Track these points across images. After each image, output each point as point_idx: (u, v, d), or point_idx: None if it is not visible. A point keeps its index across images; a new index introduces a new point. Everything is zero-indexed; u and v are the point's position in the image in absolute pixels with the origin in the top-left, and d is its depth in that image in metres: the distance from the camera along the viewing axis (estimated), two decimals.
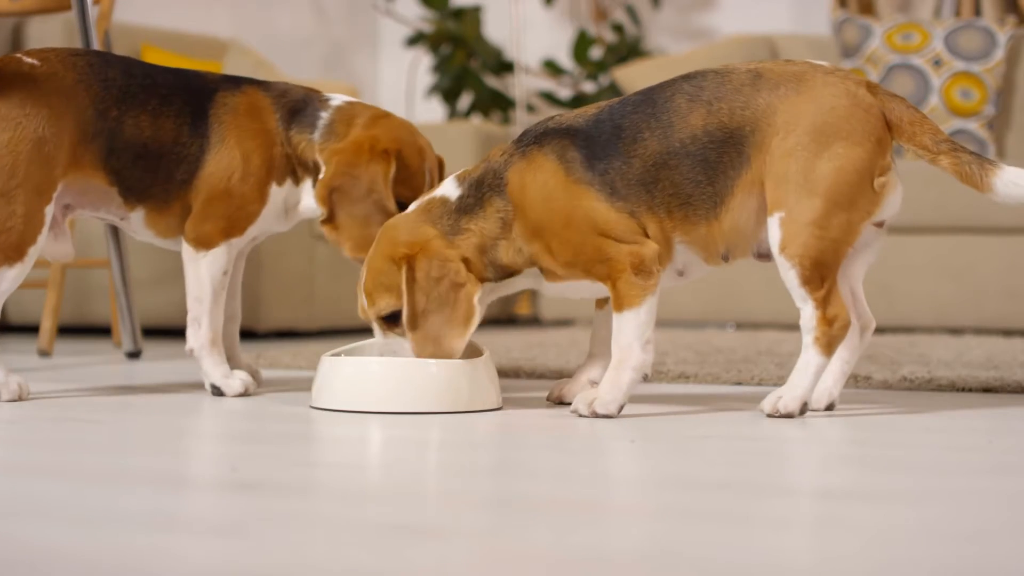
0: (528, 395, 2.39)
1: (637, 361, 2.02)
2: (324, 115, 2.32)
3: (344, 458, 1.72)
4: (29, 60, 2.19)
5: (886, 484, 1.48)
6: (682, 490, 1.43)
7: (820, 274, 1.98)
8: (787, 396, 2.02)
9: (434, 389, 2.07)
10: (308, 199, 2.34)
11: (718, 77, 2.05)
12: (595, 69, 5.95)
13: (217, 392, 2.33)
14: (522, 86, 5.99)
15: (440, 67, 6.01)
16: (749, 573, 1.05)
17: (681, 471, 1.57)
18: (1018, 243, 4.25)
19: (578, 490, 1.44)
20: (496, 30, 6.25)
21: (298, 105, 2.32)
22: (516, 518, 1.27)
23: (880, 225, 2.06)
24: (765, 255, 2.07)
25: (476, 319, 2.06)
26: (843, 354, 2.09)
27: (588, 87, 6.12)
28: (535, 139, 2.09)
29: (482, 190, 2.09)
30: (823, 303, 1.99)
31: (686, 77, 2.08)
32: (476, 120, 5.98)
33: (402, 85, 6.31)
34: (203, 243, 2.27)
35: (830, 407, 2.12)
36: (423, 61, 6.32)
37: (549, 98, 6.01)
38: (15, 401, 2.20)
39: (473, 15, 5.98)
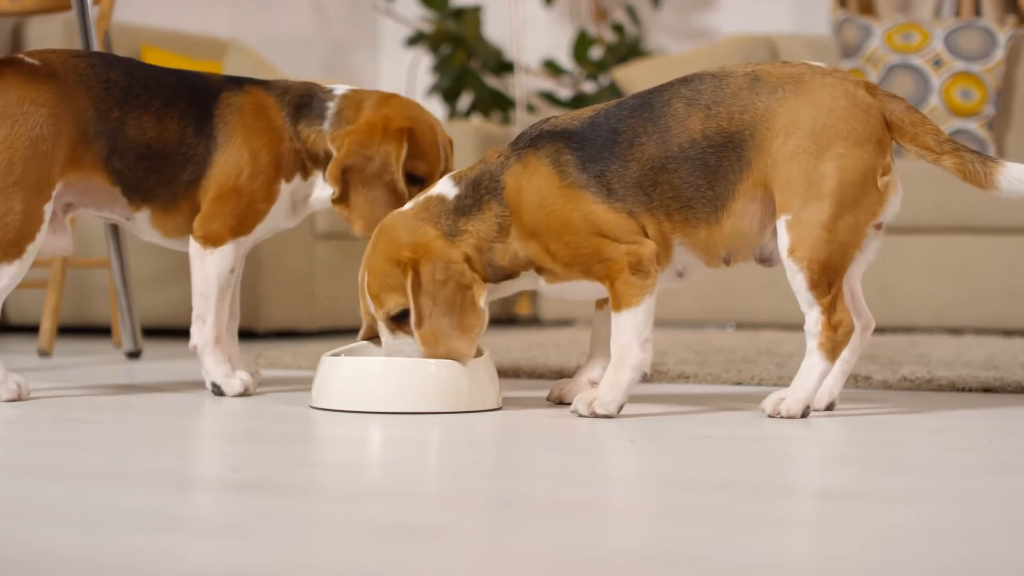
0: (528, 395, 2.39)
1: (636, 360, 2.02)
2: (331, 105, 2.33)
3: (344, 458, 1.72)
4: (30, 61, 2.20)
5: (886, 484, 1.48)
6: (682, 490, 1.43)
7: (828, 278, 1.98)
8: (790, 399, 2.02)
9: (434, 389, 2.07)
10: (319, 191, 2.35)
11: (716, 81, 2.05)
12: (595, 69, 5.95)
13: (217, 391, 2.33)
14: (522, 86, 5.99)
15: (440, 67, 6.01)
16: (749, 573, 1.05)
17: (681, 471, 1.57)
18: (1018, 243, 4.26)
19: (578, 490, 1.44)
20: (496, 30, 6.25)
21: (303, 100, 2.33)
22: (516, 518, 1.27)
23: (878, 227, 2.06)
24: (767, 259, 2.07)
25: (484, 320, 2.06)
26: (844, 354, 2.09)
27: (588, 87, 6.12)
28: (530, 142, 2.09)
29: (479, 192, 2.09)
30: (829, 308, 1.99)
31: (683, 81, 2.08)
32: (476, 120, 5.98)
33: (402, 85, 6.31)
34: (211, 240, 2.28)
35: (830, 407, 2.13)
36: (423, 61, 6.32)
37: (549, 98, 6.01)
38: (14, 401, 2.20)
39: (473, 15, 5.98)
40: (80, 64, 2.22)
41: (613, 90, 5.79)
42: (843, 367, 2.11)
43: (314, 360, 2.92)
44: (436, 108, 6.35)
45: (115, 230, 3.20)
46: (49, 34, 4.19)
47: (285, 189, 2.32)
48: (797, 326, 4.17)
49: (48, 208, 2.18)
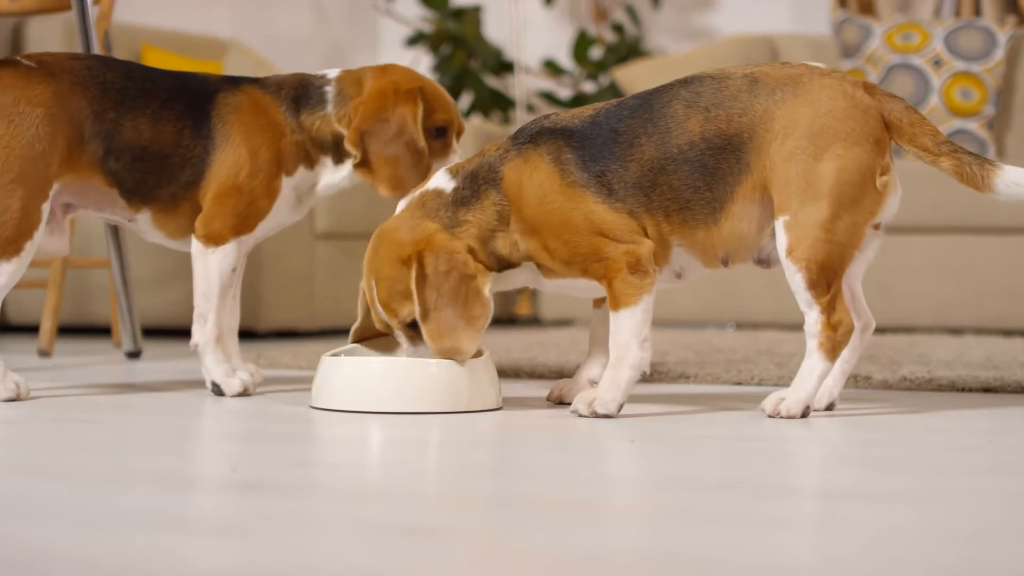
0: (528, 395, 2.39)
1: (635, 359, 2.02)
2: (329, 89, 2.34)
3: (344, 458, 1.72)
4: (27, 62, 2.21)
5: (886, 484, 1.48)
6: (682, 490, 1.43)
7: (826, 278, 1.98)
8: (790, 399, 2.02)
9: (434, 389, 2.07)
10: (328, 177, 2.36)
11: (715, 83, 2.05)
12: (595, 69, 5.95)
13: (217, 390, 2.33)
14: (522, 86, 5.99)
15: (440, 67, 6.01)
16: (749, 573, 1.05)
17: (681, 471, 1.57)
18: (1018, 243, 4.26)
19: (578, 490, 1.44)
20: (496, 30, 6.25)
21: (299, 91, 2.34)
22: (516, 518, 1.27)
23: (877, 227, 2.06)
24: (765, 261, 2.07)
25: (490, 310, 2.05)
26: (844, 354, 2.09)
27: (588, 87, 6.12)
28: (531, 138, 2.09)
29: (477, 182, 2.08)
30: (828, 308, 1.99)
31: (683, 82, 2.08)
32: (476, 120, 5.98)
33: None
34: (213, 239, 2.28)
35: (830, 407, 2.13)
36: (423, 61, 6.32)
37: (549, 98, 6.01)
38: (13, 400, 2.20)
39: (473, 15, 5.98)
40: (77, 66, 2.23)
41: (613, 90, 5.79)
42: (843, 367, 2.11)
43: (314, 360, 2.92)
44: None
45: (115, 230, 3.20)
46: (49, 34, 4.19)
47: (287, 184, 2.33)
48: (797, 326, 4.17)
49: (45, 207, 2.18)
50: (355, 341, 2.26)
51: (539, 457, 1.70)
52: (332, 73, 2.37)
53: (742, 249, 2.05)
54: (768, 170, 2.00)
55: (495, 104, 6.03)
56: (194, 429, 2.01)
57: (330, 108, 2.32)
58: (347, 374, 2.12)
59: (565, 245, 2.04)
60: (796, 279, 1.99)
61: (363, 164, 2.30)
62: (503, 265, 2.10)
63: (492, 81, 6.18)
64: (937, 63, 4.70)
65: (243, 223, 2.29)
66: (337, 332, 4.31)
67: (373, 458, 1.75)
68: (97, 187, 2.25)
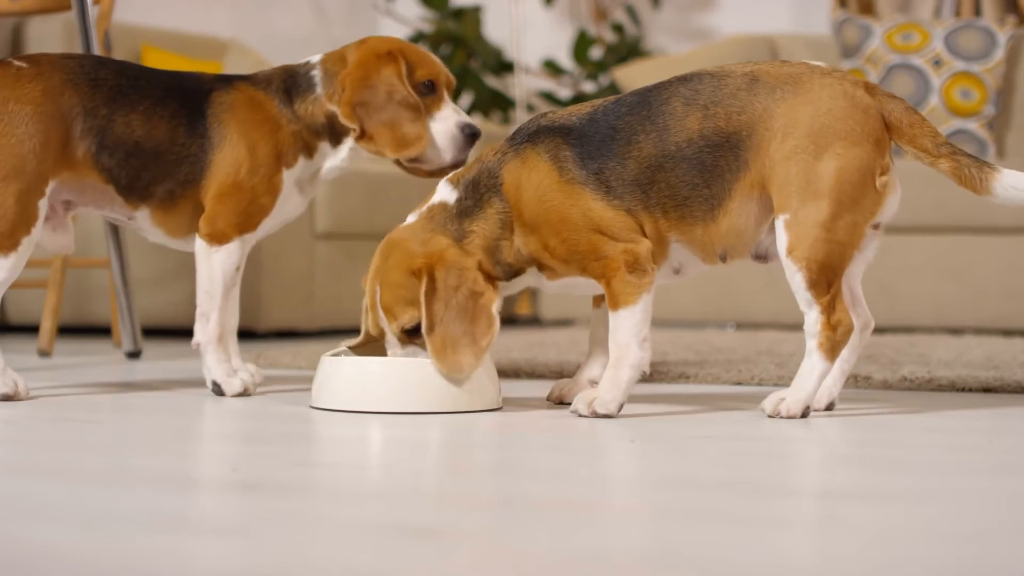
0: (528, 395, 2.39)
1: (635, 359, 2.02)
2: (315, 73, 2.35)
3: (344, 458, 1.72)
4: (17, 63, 2.24)
5: (886, 484, 1.48)
6: (682, 490, 1.43)
7: (826, 278, 1.98)
8: (790, 399, 2.02)
9: (434, 389, 2.07)
10: (330, 161, 2.37)
11: (714, 80, 2.05)
12: (595, 69, 5.95)
13: (217, 390, 2.33)
14: (522, 86, 5.99)
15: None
16: (749, 573, 1.05)
17: (681, 471, 1.57)
18: (1018, 243, 4.25)
19: (578, 490, 1.44)
20: (496, 30, 6.25)
21: (288, 82, 2.35)
22: (516, 518, 1.27)
23: (877, 227, 2.06)
24: (763, 256, 2.07)
25: (496, 329, 2.05)
26: (843, 353, 2.09)
27: (588, 87, 6.12)
28: (528, 137, 2.09)
29: (479, 191, 2.09)
30: (828, 308, 1.99)
31: (682, 79, 2.07)
32: (476, 120, 5.98)
33: None
34: (217, 238, 2.29)
35: (830, 407, 2.13)
36: None
37: (549, 98, 6.01)
38: (8, 398, 2.20)
39: (473, 15, 5.98)
40: (69, 63, 2.25)
41: (613, 90, 5.79)
42: (843, 367, 2.11)
43: (314, 360, 2.92)
44: None
45: (115, 230, 3.20)
46: (49, 34, 4.19)
47: (288, 178, 2.33)
48: (797, 326, 4.17)
49: (43, 204, 2.19)
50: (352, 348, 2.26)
51: (539, 457, 1.70)
52: (315, 58, 2.38)
53: (740, 245, 2.05)
54: (767, 168, 2.00)
55: (495, 104, 6.03)
56: (194, 429, 2.01)
57: (320, 90, 2.34)
58: (347, 374, 2.12)
59: (564, 243, 2.04)
60: (796, 279, 1.99)
61: (362, 135, 2.31)
62: (511, 273, 2.10)
63: (492, 81, 6.18)
64: (937, 63, 4.70)
65: (247, 221, 2.30)
66: (337, 332, 4.31)
67: (373, 458, 1.75)
68: (94, 184, 2.26)
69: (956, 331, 4.33)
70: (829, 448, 1.80)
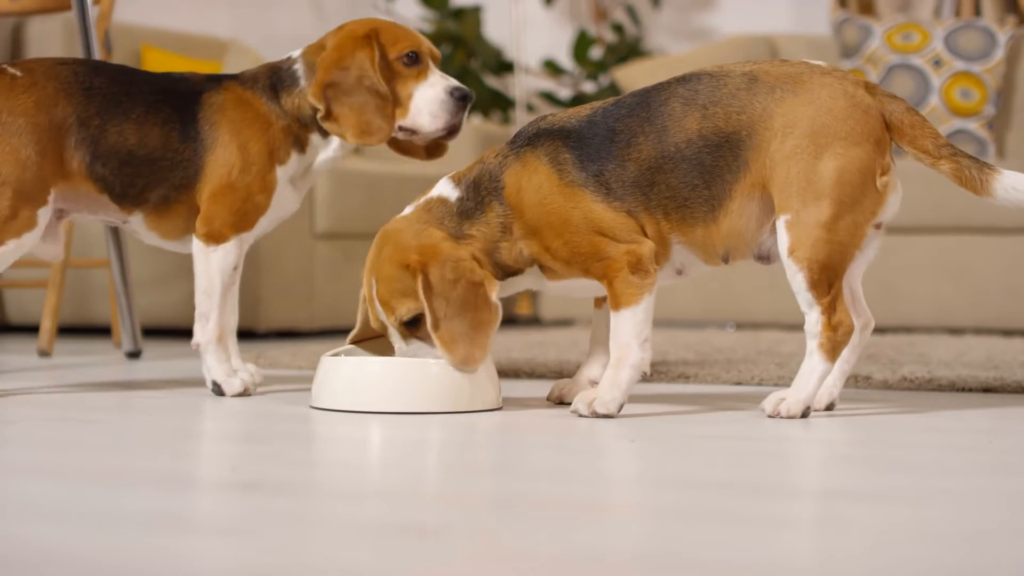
0: (528, 395, 2.39)
1: (636, 359, 2.02)
2: (298, 67, 2.36)
3: (344, 458, 1.72)
4: (11, 71, 2.24)
5: (886, 484, 1.48)
6: (682, 490, 1.43)
7: (827, 278, 1.98)
8: (791, 399, 2.02)
9: (434, 389, 2.07)
10: (321, 153, 2.38)
11: (713, 80, 2.05)
12: (595, 69, 5.95)
13: (217, 390, 2.33)
14: (522, 86, 5.99)
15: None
16: (749, 573, 1.05)
17: (681, 471, 1.57)
18: (1018, 243, 4.25)
19: (578, 490, 1.44)
20: (496, 30, 6.25)
21: (272, 79, 2.36)
22: (516, 518, 1.27)
23: (878, 227, 2.06)
24: (765, 257, 2.07)
25: (498, 316, 2.05)
26: (844, 354, 2.09)
27: (588, 87, 6.12)
28: (528, 140, 2.09)
29: (480, 193, 2.09)
30: (829, 309, 1.99)
31: (681, 80, 2.07)
32: (476, 120, 5.98)
33: None
34: (214, 238, 2.29)
35: (830, 407, 2.12)
36: None
37: (549, 98, 6.01)
38: None
39: (473, 15, 5.98)
40: (63, 72, 2.26)
41: (613, 90, 5.79)
42: (843, 367, 2.11)
43: (314, 360, 2.92)
44: None
45: (115, 231, 3.20)
46: (49, 34, 4.19)
47: (283, 176, 2.34)
48: (797, 326, 4.17)
49: (43, 213, 2.21)
50: (353, 342, 2.26)
51: (539, 457, 1.70)
52: (296, 52, 2.40)
53: (742, 246, 2.05)
54: (768, 168, 2.00)
55: (495, 104, 6.03)
56: (194, 429, 2.01)
57: (303, 83, 2.34)
58: (347, 374, 2.12)
59: (566, 245, 2.04)
60: (797, 279, 1.99)
61: (328, 116, 2.31)
62: (506, 274, 2.11)
63: (492, 81, 6.18)
64: (937, 63, 4.70)
65: (242, 220, 2.30)
66: (337, 332, 4.31)
67: (373, 458, 1.75)
68: (87, 193, 2.27)
69: (956, 331, 4.33)
70: (829, 448, 1.80)
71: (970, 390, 2.48)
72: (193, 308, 2.37)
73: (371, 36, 2.33)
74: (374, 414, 2.07)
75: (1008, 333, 4.31)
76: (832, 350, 2.00)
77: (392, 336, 2.12)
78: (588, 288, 2.11)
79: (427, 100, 2.33)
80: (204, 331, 2.32)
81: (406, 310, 2.07)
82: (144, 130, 2.26)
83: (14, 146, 2.18)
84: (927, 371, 2.70)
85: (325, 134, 2.36)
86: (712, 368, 2.79)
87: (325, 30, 6.24)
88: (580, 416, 2.05)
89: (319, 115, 2.31)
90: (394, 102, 2.32)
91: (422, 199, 2.12)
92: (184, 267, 3.92)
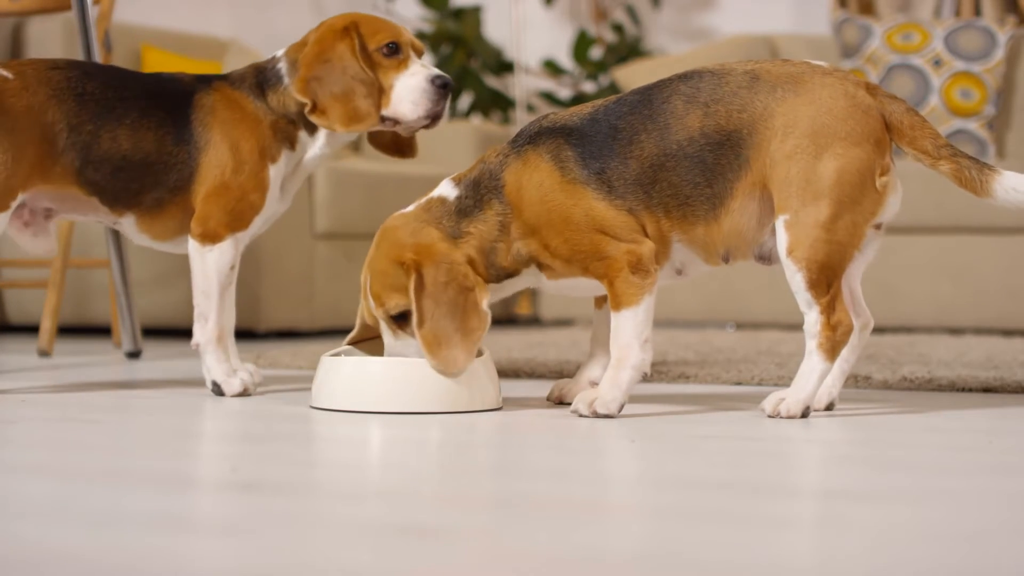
0: (528, 395, 2.39)
1: (636, 360, 2.02)
2: (282, 65, 2.37)
3: (344, 458, 1.72)
4: (3, 73, 2.23)
5: (886, 484, 1.48)
6: (682, 490, 1.43)
7: (826, 278, 1.98)
8: (790, 399, 2.02)
9: (434, 389, 2.07)
10: (311, 150, 2.38)
11: (715, 78, 2.05)
12: (595, 69, 5.95)
13: (217, 390, 2.33)
14: (522, 86, 5.99)
15: (440, 67, 6.01)
16: (749, 573, 1.05)
17: (681, 471, 1.57)
18: (1018, 243, 4.25)
19: (578, 490, 1.44)
20: (496, 30, 6.25)
21: (258, 77, 2.38)
22: (516, 518, 1.27)
23: (878, 227, 2.06)
24: (766, 257, 2.07)
25: (487, 323, 2.05)
26: (843, 353, 2.09)
27: (588, 87, 6.12)
28: (530, 139, 2.09)
29: (480, 192, 2.09)
30: (828, 309, 1.99)
31: (683, 77, 2.07)
32: (476, 120, 5.98)
33: None
34: (209, 238, 2.30)
35: (830, 407, 2.12)
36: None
37: (549, 98, 6.01)
38: None
39: (473, 15, 5.98)
40: (55, 77, 2.26)
41: (613, 90, 5.79)
42: (843, 367, 2.11)
43: (314, 360, 2.92)
44: None
45: (115, 231, 3.20)
46: (49, 34, 4.19)
47: (274, 173, 2.34)
48: (797, 326, 4.17)
49: (3, 218, 2.20)
50: (352, 343, 2.26)
51: (539, 457, 1.70)
52: (280, 52, 2.41)
53: (742, 245, 2.05)
54: (768, 167, 2.00)
55: (495, 104, 6.03)
56: (194, 429, 2.01)
57: (287, 80, 2.35)
58: (347, 374, 2.12)
59: (566, 243, 2.04)
60: (796, 279, 1.99)
61: (314, 109, 2.31)
62: (503, 275, 2.10)
63: (492, 81, 6.18)
64: (937, 63, 4.70)
65: (237, 220, 2.31)
66: (337, 332, 4.31)
67: (373, 458, 1.75)
68: (75, 196, 2.28)
69: (956, 331, 4.33)
70: (829, 448, 1.80)
71: (970, 390, 2.48)
72: (193, 308, 2.37)
73: (350, 28, 2.35)
74: (374, 414, 2.07)
75: (1008, 333, 4.31)
76: (831, 350, 2.00)
77: (382, 330, 2.13)
78: (587, 288, 2.11)
79: (408, 89, 2.33)
80: (203, 331, 2.33)
81: (394, 304, 2.08)
82: (139, 135, 2.27)
83: None
84: (927, 371, 2.70)
85: (312, 130, 2.37)
86: (712, 368, 2.79)
87: None
88: (580, 416, 2.05)
89: (306, 109, 2.31)
90: (379, 89, 2.33)
91: (423, 199, 2.13)
92: (184, 267, 3.91)
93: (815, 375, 2.01)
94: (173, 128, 2.29)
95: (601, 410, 2.02)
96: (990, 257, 4.27)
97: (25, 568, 1.05)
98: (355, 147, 5.08)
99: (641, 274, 2.02)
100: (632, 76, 4.91)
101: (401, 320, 2.09)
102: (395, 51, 2.35)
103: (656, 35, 6.21)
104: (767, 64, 2.06)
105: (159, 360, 3.21)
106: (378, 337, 2.21)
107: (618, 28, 6.02)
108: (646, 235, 2.04)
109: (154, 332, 4.19)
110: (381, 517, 1.28)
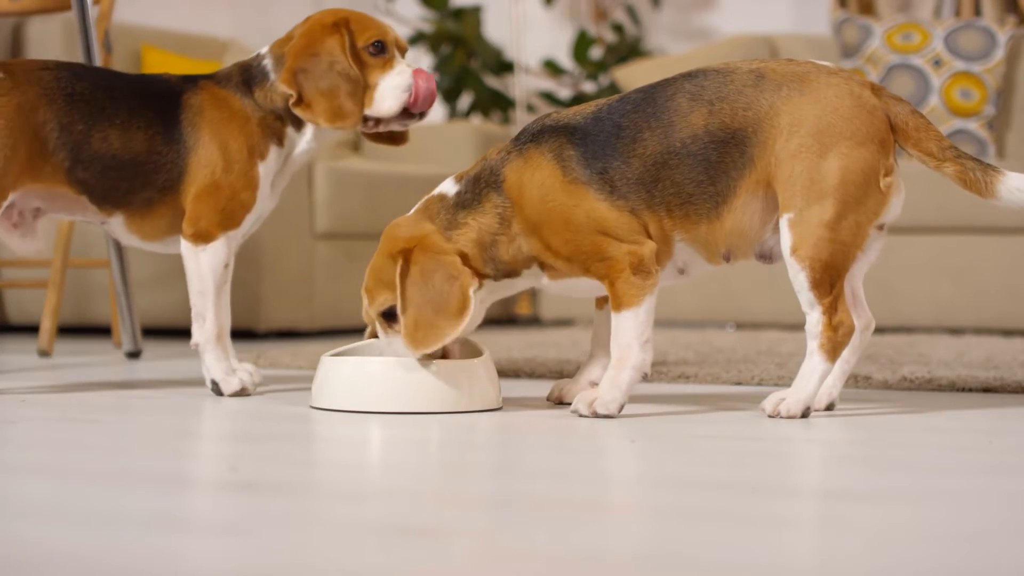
0: (528, 395, 2.39)
1: (636, 360, 2.02)
2: (267, 62, 2.38)
3: (344, 458, 1.72)
4: None
5: (886, 484, 1.48)
6: (682, 490, 1.42)
7: (829, 278, 1.98)
8: (791, 399, 2.02)
9: (434, 389, 2.07)
10: (299, 145, 2.39)
11: (720, 76, 2.05)
12: (595, 69, 5.95)
13: (216, 388, 2.33)
14: (522, 86, 5.99)
15: (440, 67, 6.01)
16: (749, 573, 1.05)
17: (681, 471, 1.57)
18: (1018, 243, 4.25)
19: (578, 490, 1.44)
20: (496, 30, 6.25)
21: (244, 75, 2.38)
22: (516, 518, 1.27)
23: (881, 228, 2.06)
24: (767, 256, 2.07)
25: (470, 311, 2.05)
26: (844, 354, 2.09)
27: (588, 87, 6.12)
28: (532, 137, 2.09)
29: (479, 186, 2.09)
30: (830, 309, 1.99)
31: (687, 76, 2.07)
32: (476, 120, 5.98)
33: None
34: (201, 237, 2.30)
35: (830, 407, 2.12)
36: (423, 61, 6.32)
37: (549, 98, 6.01)
38: None
39: (473, 15, 5.98)
40: (45, 77, 2.26)
41: (613, 90, 5.79)
42: (843, 367, 2.11)
43: (314, 360, 2.92)
44: (436, 108, 6.35)
45: None
46: (49, 34, 4.19)
47: (264, 171, 2.34)
48: (797, 326, 4.17)
49: None
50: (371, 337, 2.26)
51: (539, 457, 1.70)
52: (264, 49, 2.41)
53: (744, 244, 2.05)
54: (772, 166, 2.00)
55: (495, 104, 6.03)
56: (194, 429, 2.01)
57: (273, 77, 2.36)
58: (347, 374, 2.12)
59: (567, 243, 2.04)
60: (799, 278, 1.99)
61: (299, 102, 2.31)
62: (505, 271, 2.10)
63: (492, 81, 6.18)
64: (937, 63, 4.70)
65: (229, 218, 2.31)
66: (337, 332, 4.31)
67: (373, 458, 1.75)
68: (64, 195, 2.28)
69: (956, 331, 4.33)
70: (829, 448, 1.80)
71: (970, 390, 2.47)
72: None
73: (340, 24, 2.35)
74: (374, 414, 2.07)
75: (1008, 333, 4.31)
76: (833, 350, 2.00)
77: (379, 328, 2.14)
78: (589, 288, 2.11)
79: (391, 88, 2.34)
80: (202, 330, 2.33)
81: (383, 300, 2.08)
82: (128, 135, 2.27)
83: None
84: (927, 371, 2.70)
85: (298, 126, 2.37)
86: (712, 368, 2.79)
87: None
88: (580, 416, 2.05)
89: (291, 101, 2.31)
90: (364, 88, 2.33)
91: (425, 198, 2.13)
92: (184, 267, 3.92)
93: (816, 375, 2.01)
94: (162, 128, 2.30)
95: (601, 410, 2.02)
96: (990, 257, 4.27)
97: (25, 568, 1.05)
98: (355, 147, 5.08)
99: (642, 275, 2.02)
100: (632, 76, 4.91)
101: (391, 317, 2.10)
102: (381, 50, 2.36)
103: (656, 35, 6.21)
104: (772, 63, 2.06)
105: (159, 360, 3.21)
106: None
107: (618, 28, 6.02)
108: (648, 235, 2.04)
109: (154, 332, 4.19)
110: (381, 517, 1.28)
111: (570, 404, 2.14)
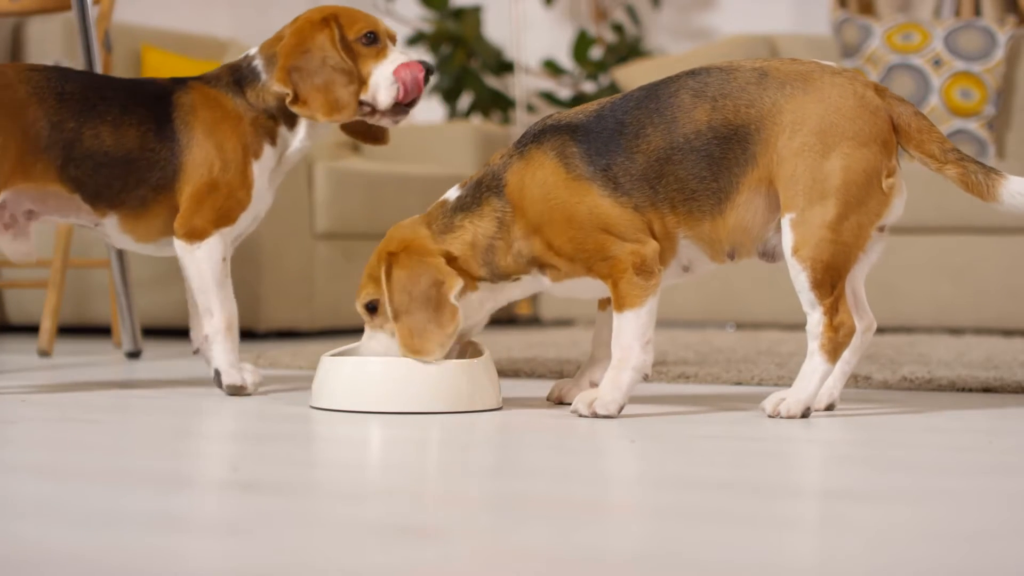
0: (528, 395, 2.39)
1: (637, 361, 2.02)
2: (257, 62, 2.39)
3: (344, 458, 1.72)
4: None
5: (886, 484, 1.48)
6: (682, 490, 1.42)
7: (831, 278, 1.98)
8: (791, 399, 2.02)
9: (434, 389, 2.07)
10: (292, 143, 2.40)
11: (723, 74, 2.05)
12: (595, 69, 5.95)
13: (218, 378, 2.34)
14: (522, 86, 5.99)
15: (440, 67, 6.01)
16: (749, 573, 1.05)
17: (681, 471, 1.57)
18: (1018, 243, 4.25)
19: (578, 490, 1.44)
20: (496, 30, 6.25)
21: (234, 75, 2.39)
22: (516, 518, 1.27)
23: (882, 229, 2.06)
24: (769, 254, 2.07)
25: (459, 317, 2.05)
26: (845, 355, 2.09)
27: (588, 87, 6.12)
28: (534, 137, 2.09)
29: (480, 191, 2.09)
30: (831, 310, 1.99)
31: (690, 73, 2.08)
32: (476, 120, 5.98)
33: None
34: (195, 235, 2.31)
35: (830, 407, 2.12)
36: None
37: (549, 98, 6.01)
38: None
39: (473, 15, 5.98)
40: (35, 77, 2.28)
41: (613, 90, 5.79)
42: (844, 368, 2.11)
43: (314, 360, 2.92)
44: (436, 108, 6.35)
45: None
46: (49, 34, 4.19)
47: (259, 170, 2.35)
48: (797, 326, 4.17)
49: None
50: None
51: (539, 457, 1.70)
52: (252, 50, 2.42)
53: (747, 241, 2.05)
54: (775, 164, 2.00)
55: (495, 104, 6.03)
56: (194, 429, 2.01)
57: (264, 76, 2.37)
58: (347, 374, 2.12)
59: (570, 241, 2.04)
60: (801, 278, 1.99)
61: (296, 99, 2.32)
62: (502, 275, 2.10)
63: (492, 81, 6.18)
64: (937, 63, 4.70)
65: (224, 217, 2.32)
66: (337, 332, 4.31)
67: (373, 458, 1.75)
68: (57, 193, 2.28)
69: (956, 331, 4.33)
70: (829, 448, 1.80)
71: (970, 390, 2.47)
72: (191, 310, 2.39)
73: (329, 19, 2.36)
74: (374, 414, 2.07)
75: (1008, 333, 4.31)
76: (833, 351, 2.00)
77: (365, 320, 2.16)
78: (592, 289, 2.11)
79: (385, 75, 2.34)
80: (210, 323, 2.34)
81: (366, 294, 2.11)
82: (120, 132, 2.28)
83: None
84: (927, 371, 2.70)
85: (291, 124, 2.38)
86: (712, 368, 2.79)
87: None
88: (580, 416, 2.05)
89: (287, 99, 2.32)
90: (358, 79, 2.34)
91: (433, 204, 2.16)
92: None
93: (816, 376, 2.01)
94: (155, 125, 2.30)
95: (601, 411, 2.02)
96: (990, 257, 4.27)
97: (25, 568, 1.05)
98: (355, 147, 5.08)
99: (645, 275, 2.02)
100: (632, 76, 4.91)
101: (372, 311, 2.12)
102: (373, 40, 2.36)
103: (656, 35, 6.20)
104: (776, 62, 2.06)
105: (159, 360, 3.21)
106: None
107: (618, 28, 6.02)
108: (652, 234, 2.04)
109: (154, 332, 4.19)
110: (381, 517, 1.28)
111: (570, 404, 2.14)
